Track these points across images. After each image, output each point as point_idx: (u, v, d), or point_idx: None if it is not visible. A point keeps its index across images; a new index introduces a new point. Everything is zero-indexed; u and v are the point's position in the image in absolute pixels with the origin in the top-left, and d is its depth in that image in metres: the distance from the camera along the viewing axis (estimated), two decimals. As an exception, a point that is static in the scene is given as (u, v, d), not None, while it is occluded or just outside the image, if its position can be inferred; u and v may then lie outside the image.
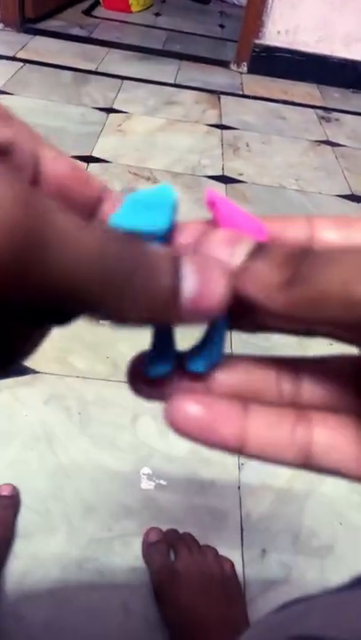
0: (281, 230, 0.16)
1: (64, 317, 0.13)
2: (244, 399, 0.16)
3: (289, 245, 0.14)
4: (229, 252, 0.14)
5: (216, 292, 0.13)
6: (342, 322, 0.12)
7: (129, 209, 0.16)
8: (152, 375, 0.16)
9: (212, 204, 0.16)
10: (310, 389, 0.16)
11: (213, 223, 0.16)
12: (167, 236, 0.16)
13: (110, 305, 0.12)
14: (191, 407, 0.15)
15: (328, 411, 0.16)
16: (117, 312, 0.12)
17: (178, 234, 0.16)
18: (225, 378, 0.16)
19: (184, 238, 0.15)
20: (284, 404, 0.16)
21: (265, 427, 0.16)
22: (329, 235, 0.16)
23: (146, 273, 0.12)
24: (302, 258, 0.13)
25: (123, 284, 0.11)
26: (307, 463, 0.15)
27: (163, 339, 0.16)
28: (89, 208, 0.17)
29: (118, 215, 0.15)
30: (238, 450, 0.16)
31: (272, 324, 0.14)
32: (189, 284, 0.12)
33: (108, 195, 0.18)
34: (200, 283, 0.13)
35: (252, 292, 0.13)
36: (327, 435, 0.15)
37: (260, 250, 0.14)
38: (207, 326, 0.16)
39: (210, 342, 0.16)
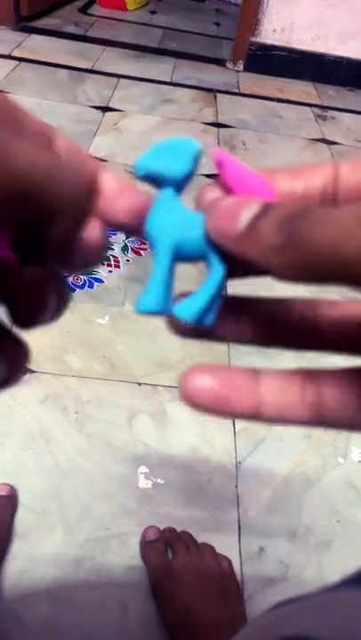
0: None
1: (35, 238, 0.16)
2: (255, 369, 0.16)
3: (290, 205, 0.14)
4: (236, 216, 0.14)
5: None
6: (341, 279, 0.12)
7: (153, 153, 0.17)
8: (140, 310, 0.16)
9: (220, 164, 0.16)
10: (331, 394, 0.17)
11: (222, 182, 0.16)
12: (182, 183, 0.16)
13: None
14: (204, 379, 0.16)
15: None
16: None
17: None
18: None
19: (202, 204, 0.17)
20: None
21: (277, 391, 0.16)
22: (281, 184, 0.16)
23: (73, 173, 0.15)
24: (298, 218, 0.13)
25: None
26: (322, 421, 0.16)
27: (160, 277, 0.16)
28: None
29: (143, 158, 0.16)
30: (254, 417, 0.16)
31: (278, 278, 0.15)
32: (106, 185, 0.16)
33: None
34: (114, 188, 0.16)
35: (251, 255, 0.14)
36: (336, 391, 0.16)
37: (262, 212, 0.14)
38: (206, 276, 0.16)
39: (202, 291, 0.16)
